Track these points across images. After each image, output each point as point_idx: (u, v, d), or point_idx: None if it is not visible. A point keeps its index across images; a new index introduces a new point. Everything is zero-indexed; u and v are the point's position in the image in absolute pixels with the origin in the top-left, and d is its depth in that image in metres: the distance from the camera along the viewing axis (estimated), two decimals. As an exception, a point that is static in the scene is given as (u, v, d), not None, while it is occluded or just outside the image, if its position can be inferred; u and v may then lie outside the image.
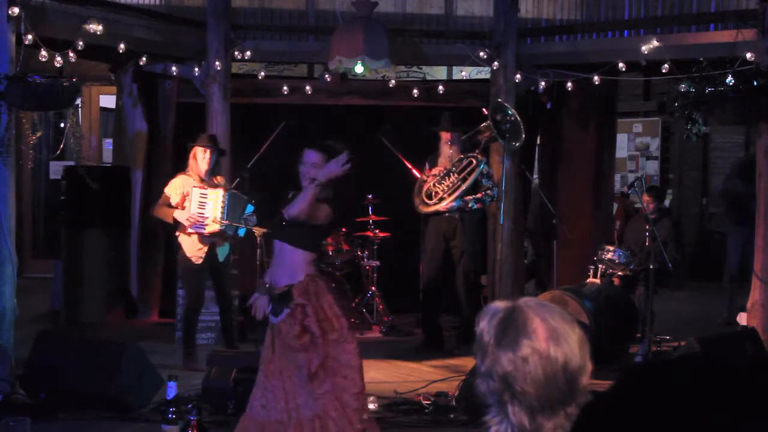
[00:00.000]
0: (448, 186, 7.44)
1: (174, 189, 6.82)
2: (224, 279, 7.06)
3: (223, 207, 6.69)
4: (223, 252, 6.96)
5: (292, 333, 4.44)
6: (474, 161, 7.45)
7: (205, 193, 6.73)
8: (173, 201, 6.79)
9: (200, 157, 6.85)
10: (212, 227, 6.71)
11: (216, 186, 6.84)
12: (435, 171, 7.57)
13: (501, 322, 1.74)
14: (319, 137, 4.88)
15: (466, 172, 7.44)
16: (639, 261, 7.53)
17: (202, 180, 6.84)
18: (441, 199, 7.43)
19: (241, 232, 6.93)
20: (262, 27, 8.37)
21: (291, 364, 4.45)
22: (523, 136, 7.39)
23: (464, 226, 7.52)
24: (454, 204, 7.40)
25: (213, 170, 6.95)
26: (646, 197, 7.73)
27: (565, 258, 8.27)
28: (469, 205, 7.45)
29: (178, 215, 6.70)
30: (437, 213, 7.50)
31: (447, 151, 7.56)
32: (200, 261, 6.82)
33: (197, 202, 6.70)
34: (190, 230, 6.74)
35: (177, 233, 6.93)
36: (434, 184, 7.49)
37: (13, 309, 6.30)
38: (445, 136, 7.58)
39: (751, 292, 6.96)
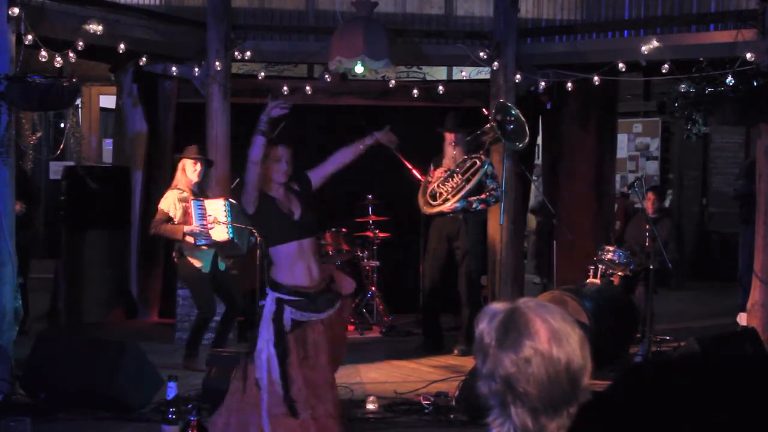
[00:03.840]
0: (452, 187, 7.43)
1: (171, 204, 6.71)
2: (227, 284, 7.02)
3: (225, 215, 6.59)
4: (222, 262, 6.93)
5: (344, 321, 4.67)
6: (478, 162, 7.45)
7: (202, 204, 6.65)
8: (176, 218, 6.70)
9: (190, 170, 6.78)
10: (218, 235, 6.64)
11: (214, 197, 6.80)
12: (439, 172, 7.57)
13: (502, 323, 1.74)
14: (275, 132, 4.82)
15: (470, 172, 7.44)
16: (639, 261, 7.53)
17: (193, 192, 6.78)
18: (445, 200, 7.43)
19: (253, 239, 6.80)
20: (262, 27, 8.37)
21: (328, 356, 4.48)
22: (528, 136, 7.39)
23: (467, 226, 7.51)
24: (458, 205, 7.40)
25: (201, 183, 6.90)
26: (651, 195, 7.75)
27: (565, 258, 8.27)
28: (474, 206, 7.45)
29: (188, 230, 6.61)
30: (441, 213, 7.50)
31: (451, 151, 7.55)
32: (207, 270, 6.78)
33: (198, 213, 6.61)
34: (198, 242, 6.64)
35: (175, 255, 6.85)
36: (438, 185, 7.49)
37: (13, 309, 6.29)
38: (449, 136, 7.58)
39: (751, 292, 6.96)
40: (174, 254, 6.90)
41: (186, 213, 6.66)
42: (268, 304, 4.50)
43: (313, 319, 4.49)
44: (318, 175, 4.71)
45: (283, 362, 4.39)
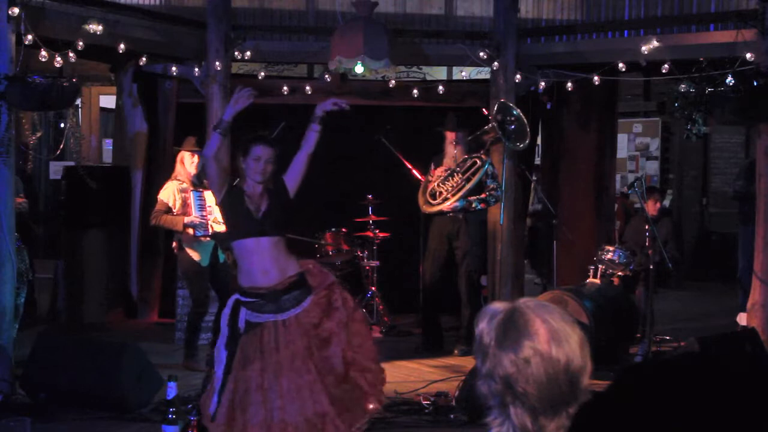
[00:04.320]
0: (452, 186, 7.44)
1: (171, 195, 6.78)
2: (226, 278, 7.05)
3: None
4: (222, 254, 6.97)
5: (317, 321, 4.46)
6: (478, 161, 7.46)
7: (201, 195, 6.72)
8: (175, 208, 6.75)
9: (188, 162, 6.85)
10: (218, 225, 6.68)
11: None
12: (439, 171, 7.58)
13: (501, 323, 1.74)
14: (259, 131, 4.81)
15: (470, 172, 7.45)
16: (639, 261, 7.54)
17: (193, 183, 6.83)
18: (445, 199, 7.44)
19: None
20: (262, 27, 8.37)
21: (309, 357, 4.39)
22: (529, 136, 7.39)
23: (467, 226, 7.51)
24: (457, 204, 7.41)
25: (200, 175, 6.94)
26: (653, 198, 7.77)
27: (565, 258, 8.27)
28: (473, 206, 7.45)
29: (189, 221, 6.66)
30: (441, 213, 7.50)
31: (452, 151, 7.56)
32: (206, 263, 6.82)
33: (197, 204, 6.69)
34: (197, 234, 6.69)
35: (174, 245, 6.90)
36: (438, 184, 7.49)
37: (13, 309, 6.30)
38: (450, 136, 7.58)
39: (751, 292, 6.95)
40: (174, 245, 6.94)
41: (185, 204, 6.72)
42: (228, 304, 4.56)
43: (270, 321, 4.43)
44: (291, 177, 4.65)
45: (229, 364, 4.41)
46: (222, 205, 4.62)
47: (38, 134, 7.75)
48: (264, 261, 4.46)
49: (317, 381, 4.37)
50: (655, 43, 7.30)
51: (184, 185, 6.82)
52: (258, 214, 4.51)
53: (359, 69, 7.59)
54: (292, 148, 4.81)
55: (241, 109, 4.53)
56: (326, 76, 8.46)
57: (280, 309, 4.45)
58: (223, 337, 4.50)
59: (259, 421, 4.29)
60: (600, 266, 7.47)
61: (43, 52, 6.38)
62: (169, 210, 6.77)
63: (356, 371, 4.53)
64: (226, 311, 4.53)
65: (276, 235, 4.51)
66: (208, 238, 6.75)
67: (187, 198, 6.73)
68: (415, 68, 11.64)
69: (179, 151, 7.00)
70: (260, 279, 4.45)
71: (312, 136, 4.66)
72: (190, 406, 3.76)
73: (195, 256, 6.79)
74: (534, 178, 8.87)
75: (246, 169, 4.56)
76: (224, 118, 4.54)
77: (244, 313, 4.47)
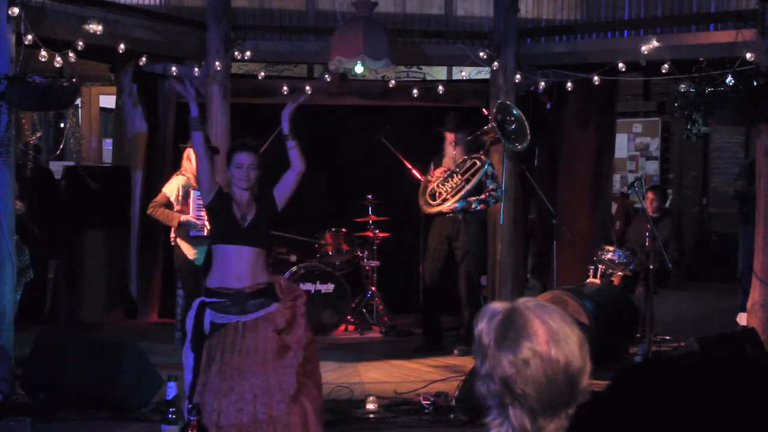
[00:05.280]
0: (451, 187, 7.44)
1: (174, 190, 6.85)
2: None
3: None
4: None
5: (281, 327, 4.43)
6: (478, 162, 7.46)
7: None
8: (176, 202, 6.81)
9: (193, 159, 6.89)
10: None
11: None
12: (439, 171, 7.58)
13: (501, 323, 1.74)
14: (244, 137, 4.81)
15: (469, 173, 7.45)
16: (639, 261, 7.53)
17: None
18: (444, 200, 7.44)
19: None
20: (262, 27, 8.37)
21: (263, 362, 4.37)
22: (529, 137, 7.39)
23: (467, 227, 7.51)
24: (457, 205, 7.41)
25: None
26: (651, 194, 7.77)
27: (565, 258, 8.27)
28: (473, 206, 7.46)
29: (185, 219, 6.73)
30: (441, 213, 7.51)
31: (451, 151, 7.57)
32: (200, 262, 6.85)
33: (196, 204, 6.73)
34: (190, 233, 6.75)
35: (173, 237, 6.95)
36: (438, 185, 7.50)
37: (13, 309, 6.30)
38: (449, 136, 7.59)
39: (751, 292, 6.95)
40: (172, 236, 6.98)
41: (186, 201, 6.78)
42: (192, 306, 4.56)
43: (233, 321, 4.43)
44: (280, 194, 4.63)
45: (197, 366, 4.41)
46: (209, 208, 4.60)
47: (38, 134, 7.75)
48: (240, 268, 4.47)
49: (265, 389, 4.34)
50: (655, 43, 7.30)
51: (189, 182, 6.88)
52: (244, 224, 4.51)
53: (359, 69, 7.59)
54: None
55: (195, 97, 4.55)
56: (326, 76, 8.46)
57: (244, 311, 4.45)
58: (188, 341, 4.50)
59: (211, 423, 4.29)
60: (600, 266, 7.47)
61: (43, 52, 6.38)
62: (168, 203, 6.83)
63: (302, 393, 4.48)
64: (191, 313, 4.52)
65: (258, 247, 4.52)
66: (195, 235, 6.82)
67: (189, 196, 6.80)
68: (415, 68, 11.65)
69: (185, 148, 7.04)
70: (231, 282, 4.46)
71: (294, 154, 4.64)
72: (190, 406, 3.75)
73: (190, 253, 6.84)
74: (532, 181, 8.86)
75: (231, 176, 4.57)
76: (192, 115, 4.54)
77: (209, 315, 4.47)
